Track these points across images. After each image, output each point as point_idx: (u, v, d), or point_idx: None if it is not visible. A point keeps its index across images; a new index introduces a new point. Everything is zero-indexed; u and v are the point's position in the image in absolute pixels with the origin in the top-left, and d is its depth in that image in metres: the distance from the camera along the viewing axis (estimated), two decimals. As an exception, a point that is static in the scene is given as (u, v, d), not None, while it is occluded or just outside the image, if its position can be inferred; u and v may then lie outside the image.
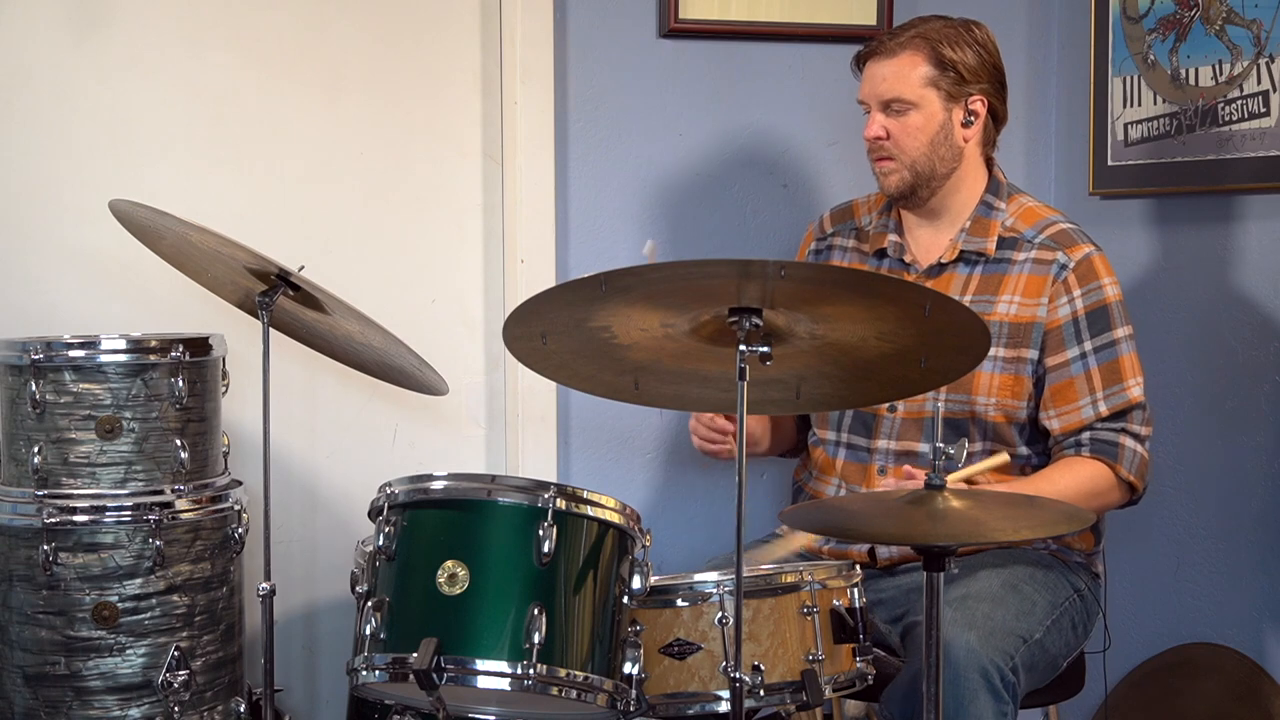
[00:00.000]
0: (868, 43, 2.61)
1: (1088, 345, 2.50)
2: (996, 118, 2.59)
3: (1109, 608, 2.61)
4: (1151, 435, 2.54)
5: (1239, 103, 2.80)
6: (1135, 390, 2.51)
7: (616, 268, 1.87)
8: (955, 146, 2.55)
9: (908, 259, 2.62)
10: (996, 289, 2.54)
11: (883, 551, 2.57)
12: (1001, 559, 2.48)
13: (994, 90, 2.56)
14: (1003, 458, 2.50)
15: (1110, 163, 3.09)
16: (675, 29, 3.05)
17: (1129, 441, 2.50)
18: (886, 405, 2.57)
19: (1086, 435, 2.50)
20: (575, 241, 3.06)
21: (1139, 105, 3.03)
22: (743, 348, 1.90)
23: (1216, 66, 2.85)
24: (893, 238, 2.64)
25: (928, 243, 2.62)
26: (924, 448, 2.53)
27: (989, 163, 2.62)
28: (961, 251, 2.57)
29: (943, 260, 2.58)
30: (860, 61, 2.60)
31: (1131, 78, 3.04)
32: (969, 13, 2.64)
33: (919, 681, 2.17)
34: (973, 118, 2.55)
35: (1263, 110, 2.76)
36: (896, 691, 2.32)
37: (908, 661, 2.38)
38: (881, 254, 2.66)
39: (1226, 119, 2.83)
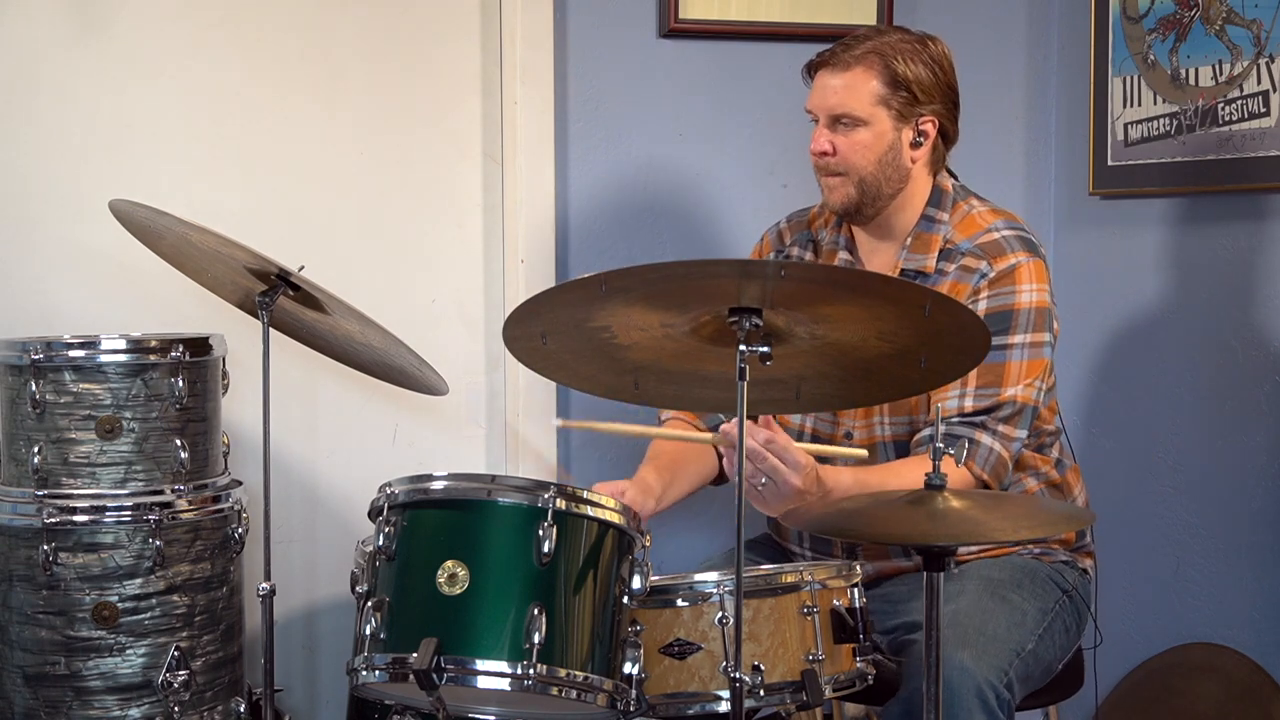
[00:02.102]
0: (821, 50, 2.53)
1: None
2: (947, 137, 2.52)
3: (1107, 607, 2.60)
4: (1023, 440, 2.41)
5: (1239, 103, 2.80)
6: (1012, 391, 2.39)
7: (616, 268, 1.87)
8: (903, 167, 2.48)
9: None
10: None
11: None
12: (987, 568, 2.45)
13: (945, 110, 2.49)
14: (861, 453, 2.38)
15: (1110, 163, 3.09)
16: (675, 29, 3.05)
17: (985, 438, 2.38)
18: (843, 433, 2.55)
19: (942, 429, 2.33)
20: (575, 241, 3.06)
21: (1139, 105, 3.03)
22: (743, 348, 1.90)
23: (1216, 66, 2.85)
24: (844, 255, 2.59)
25: (879, 261, 2.57)
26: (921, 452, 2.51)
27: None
28: (902, 270, 2.51)
29: None
30: (811, 70, 2.53)
31: (1131, 78, 3.04)
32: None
33: (915, 702, 2.15)
34: (922, 138, 2.48)
35: (1263, 110, 2.76)
36: (894, 709, 2.30)
37: (905, 680, 2.33)
38: None
39: (1226, 119, 2.83)
